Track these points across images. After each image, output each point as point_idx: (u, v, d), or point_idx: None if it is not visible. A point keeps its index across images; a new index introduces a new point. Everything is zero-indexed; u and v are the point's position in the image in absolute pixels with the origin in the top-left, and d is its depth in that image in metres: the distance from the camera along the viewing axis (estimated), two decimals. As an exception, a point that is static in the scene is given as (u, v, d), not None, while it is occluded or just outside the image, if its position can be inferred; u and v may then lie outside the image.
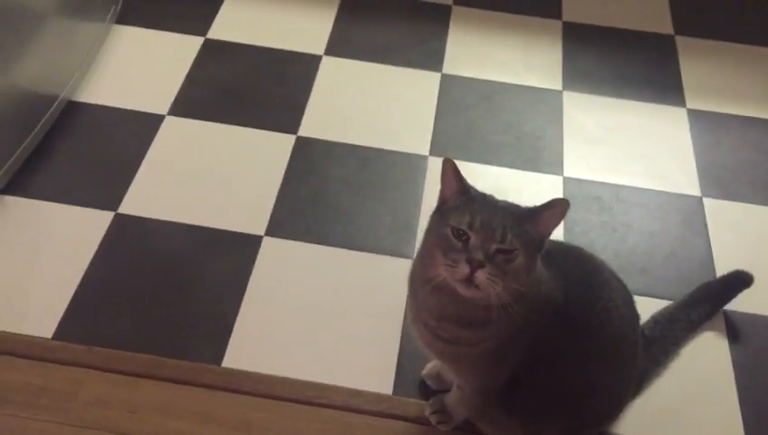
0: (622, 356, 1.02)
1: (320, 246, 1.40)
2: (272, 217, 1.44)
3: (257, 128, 1.61)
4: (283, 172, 1.52)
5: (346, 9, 1.92)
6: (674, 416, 1.21)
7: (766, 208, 1.53)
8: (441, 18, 1.92)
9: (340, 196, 1.49)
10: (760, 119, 1.72)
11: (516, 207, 0.89)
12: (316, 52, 1.80)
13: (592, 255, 1.06)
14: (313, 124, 1.63)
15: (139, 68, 1.72)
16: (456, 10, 1.94)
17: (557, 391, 0.98)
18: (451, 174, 0.89)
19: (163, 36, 1.79)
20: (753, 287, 1.38)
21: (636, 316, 1.06)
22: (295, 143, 1.59)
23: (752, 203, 1.54)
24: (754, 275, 1.40)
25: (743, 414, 1.22)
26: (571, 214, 1.49)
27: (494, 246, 0.84)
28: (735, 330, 1.32)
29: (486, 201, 0.89)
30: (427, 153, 1.60)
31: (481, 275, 0.83)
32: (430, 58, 1.81)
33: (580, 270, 1.00)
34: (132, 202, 1.44)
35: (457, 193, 0.89)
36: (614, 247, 1.45)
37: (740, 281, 1.31)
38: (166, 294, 1.31)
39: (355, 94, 1.71)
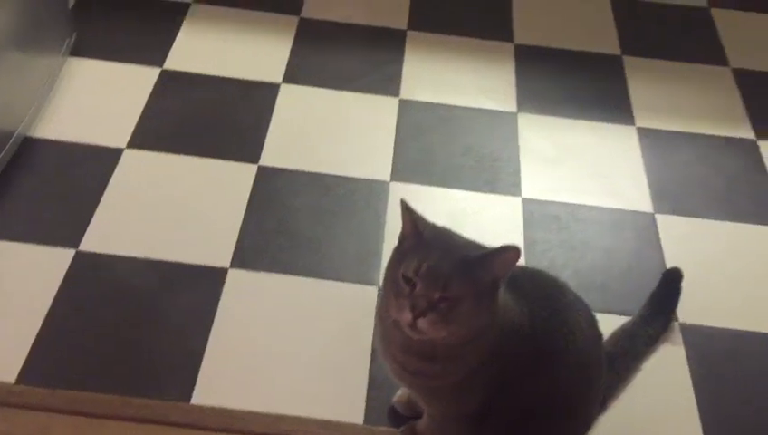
0: (589, 376, 1.06)
1: (286, 277, 1.41)
2: (236, 248, 1.44)
3: (218, 158, 1.61)
4: (246, 203, 1.53)
5: (302, 36, 1.93)
6: (637, 430, 1.24)
7: (716, 222, 1.59)
8: (396, 43, 1.95)
9: (304, 225, 1.50)
10: (706, 135, 1.79)
11: (470, 248, 0.91)
12: (274, 80, 1.81)
13: (555, 277, 1.09)
14: (274, 153, 1.64)
15: (95, 101, 1.70)
16: (411, 35, 1.98)
17: (527, 414, 1.01)
18: (406, 216, 0.92)
19: (119, 68, 1.78)
20: (707, 300, 1.43)
21: (599, 336, 1.09)
22: (257, 173, 1.59)
23: (702, 218, 1.60)
24: (707, 286, 1.45)
25: (703, 426, 1.26)
26: (530, 234, 1.53)
27: (437, 295, 0.86)
28: (692, 343, 1.37)
29: (439, 243, 0.89)
30: (388, 179, 1.62)
31: (422, 323, 0.86)
32: (388, 83, 1.84)
33: (545, 294, 1.02)
34: (93, 239, 1.42)
35: (412, 235, 0.91)
36: (574, 265, 1.49)
37: (674, 280, 1.36)
38: (131, 332, 1.30)
39: (315, 122, 1.72)
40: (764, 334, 1.39)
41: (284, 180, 1.58)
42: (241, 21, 1.96)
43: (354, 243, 1.48)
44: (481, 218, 1.55)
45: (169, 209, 1.50)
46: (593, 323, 1.07)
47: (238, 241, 1.45)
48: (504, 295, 0.94)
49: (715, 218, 1.60)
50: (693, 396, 1.30)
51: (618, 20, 2.07)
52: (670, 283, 1.35)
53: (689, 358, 1.35)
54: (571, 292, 1.07)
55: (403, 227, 0.93)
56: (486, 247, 0.91)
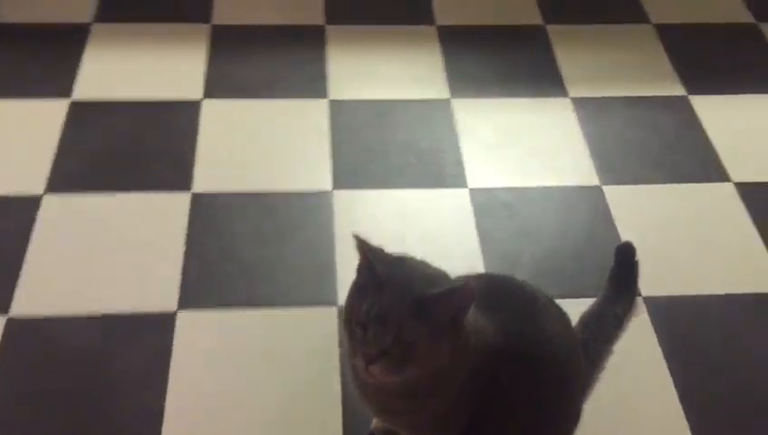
0: (571, 377, 1.03)
1: (239, 311, 1.33)
2: (181, 288, 1.35)
3: (146, 191, 1.51)
4: (184, 236, 1.44)
5: (217, 45, 1.83)
6: (616, 411, 1.23)
7: (662, 186, 1.59)
8: (316, 40, 1.87)
9: (249, 250, 1.42)
10: (638, 97, 1.78)
11: (430, 281, 0.85)
12: (194, 97, 1.71)
13: (523, 283, 1.05)
14: (206, 177, 1.55)
15: (2, 145, 1.57)
16: (331, 30, 1.90)
17: (515, 426, 0.98)
18: (360, 251, 0.86)
19: (23, 106, 1.65)
20: (665, 268, 1.43)
21: (574, 336, 1.07)
22: (191, 201, 1.50)
23: (648, 183, 1.60)
24: (663, 254, 1.45)
25: (680, 397, 1.26)
26: (484, 224, 1.49)
27: (389, 339, 0.81)
28: (657, 315, 1.37)
29: (394, 281, 0.83)
30: (330, 187, 1.55)
31: (374, 369, 0.83)
32: (314, 85, 1.76)
33: (516, 304, 0.99)
34: (24, 302, 1.31)
35: (366, 270, 0.86)
36: (530, 252, 1.46)
37: (627, 255, 1.34)
38: (78, 400, 1.20)
39: (244, 136, 1.64)
40: (725, 295, 1.40)
41: (221, 205, 1.50)
42: (148, 36, 1.84)
43: (306, 262, 1.41)
44: (431, 216, 1.51)
45: (103, 256, 1.39)
46: (567, 324, 1.05)
47: (182, 280, 1.36)
48: (474, 315, 0.90)
49: (661, 182, 1.60)
50: (666, 369, 1.29)
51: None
52: (625, 259, 1.34)
53: (657, 331, 1.35)
54: (542, 295, 1.04)
55: (359, 262, 0.88)
56: (445, 280, 0.87)
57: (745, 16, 2.00)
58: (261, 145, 1.62)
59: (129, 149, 1.59)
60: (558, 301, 1.32)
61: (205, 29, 1.87)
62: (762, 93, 1.80)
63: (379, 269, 0.84)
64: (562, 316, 1.05)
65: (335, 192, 1.54)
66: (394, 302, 0.82)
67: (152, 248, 1.41)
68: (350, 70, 1.80)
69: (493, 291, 0.98)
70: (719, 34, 1.95)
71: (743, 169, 1.63)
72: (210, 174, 1.55)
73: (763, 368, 1.30)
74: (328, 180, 1.56)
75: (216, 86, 1.73)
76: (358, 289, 0.86)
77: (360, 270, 0.88)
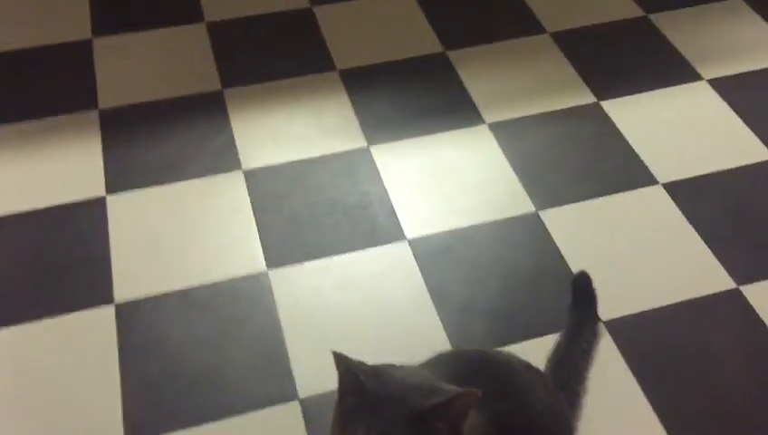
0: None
1: (196, 429, 1.22)
2: (125, 421, 1.22)
3: (63, 313, 1.37)
4: (116, 357, 1.31)
5: (110, 132, 1.70)
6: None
7: (594, 201, 1.58)
8: (217, 108, 1.76)
9: (192, 359, 1.31)
10: (552, 111, 1.77)
11: (422, 390, 0.79)
12: (96, 194, 1.57)
13: (497, 354, 1.00)
14: (128, 283, 1.42)
15: None
16: (230, 93, 1.80)
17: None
18: (344, 371, 0.79)
19: None
20: (616, 287, 1.42)
21: (558, 396, 1.03)
22: (117, 314, 1.37)
23: (580, 200, 1.58)
24: (612, 273, 1.44)
25: (659, 417, 1.24)
26: (430, 277, 1.44)
27: None
28: (620, 336, 1.35)
29: (387, 397, 0.77)
30: (264, 268, 1.45)
31: None
32: (223, 158, 1.65)
33: (500, 385, 0.93)
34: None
35: (354, 391, 0.78)
36: (484, 297, 1.41)
37: (584, 285, 1.32)
38: None
39: (160, 229, 1.52)
40: (679, 303, 1.40)
41: (151, 312, 1.38)
42: (33, 133, 1.68)
43: (255, 358, 1.31)
44: (376, 278, 1.44)
45: (30, 404, 1.25)
46: (547, 387, 1.00)
47: (124, 411, 1.23)
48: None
49: (593, 196, 1.59)
50: (641, 393, 1.28)
51: (430, 16, 2.01)
52: (582, 290, 1.31)
53: (623, 354, 1.33)
54: (518, 363, 0.99)
55: (340, 382, 0.80)
56: (437, 386, 0.80)
57: (635, 10, 2.03)
58: (180, 235, 1.50)
59: (33, 269, 1.44)
60: (525, 344, 1.29)
61: (92, 116, 1.73)
62: (665, 87, 1.83)
63: (370, 387, 0.77)
64: (543, 381, 1.00)
65: (270, 272, 1.45)
66: (393, 420, 0.76)
67: (84, 382, 1.28)
68: (259, 134, 1.71)
69: (472, 375, 0.92)
70: (614, 33, 1.97)
71: (666, 168, 1.64)
72: (131, 279, 1.42)
73: (735, 370, 1.30)
74: (260, 260, 1.47)
75: (119, 178, 1.60)
76: (345, 413, 0.79)
77: (345, 391, 0.80)
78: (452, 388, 0.79)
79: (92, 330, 1.34)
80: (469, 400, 0.77)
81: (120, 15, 1.97)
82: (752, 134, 1.71)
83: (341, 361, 0.79)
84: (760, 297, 1.40)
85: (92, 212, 1.54)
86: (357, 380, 0.78)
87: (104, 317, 1.36)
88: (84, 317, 1.36)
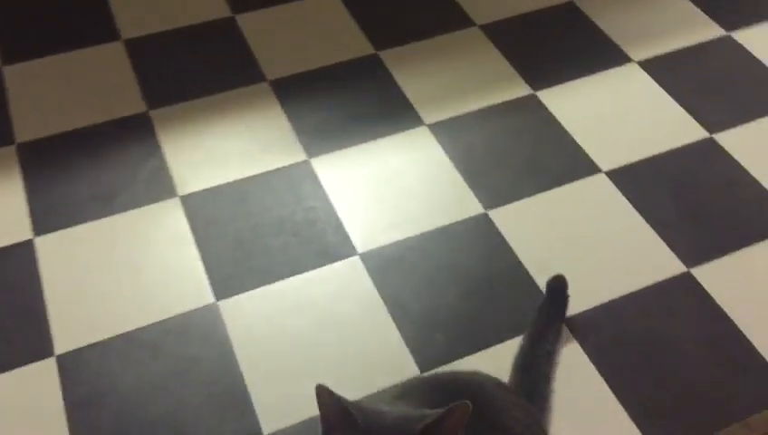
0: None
1: (157, 482, 1.16)
2: (81, 480, 1.15)
3: (2, 372, 1.28)
4: (64, 412, 1.23)
5: (30, 168, 1.59)
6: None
7: (542, 195, 1.57)
8: (145, 132, 1.67)
9: (146, 404, 1.24)
10: (490, 106, 1.75)
11: (413, 422, 0.76)
12: (23, 237, 1.47)
13: (469, 376, 0.98)
14: (68, 330, 1.33)
15: None
16: (157, 115, 1.71)
17: None
18: (329, 406, 0.75)
19: None
20: (573, 281, 1.41)
21: (533, 412, 1.01)
22: (59, 366, 1.29)
23: (527, 196, 1.57)
24: (563, 263, 1.43)
25: (627, 410, 1.25)
26: (387, 291, 1.41)
27: None
28: (582, 333, 1.35)
29: (377, 428, 0.75)
30: (213, 299, 1.39)
31: None
32: (156, 185, 1.57)
33: (475, 408, 0.91)
34: None
35: (343, 427, 0.74)
36: (445, 307, 1.39)
37: (559, 287, 1.33)
38: None
39: (96, 267, 1.43)
40: (635, 292, 1.41)
41: (97, 360, 1.30)
42: (-56, 178, 1.56)
43: (213, 396, 1.26)
44: (331, 299, 1.40)
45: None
46: (527, 409, 0.99)
47: (79, 470, 1.16)
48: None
49: (541, 190, 1.58)
50: (608, 389, 1.28)
51: (357, 17, 1.96)
52: (556, 293, 1.31)
53: (585, 350, 1.33)
54: (491, 382, 0.97)
55: (327, 418, 0.77)
56: (420, 413, 0.77)
57: (559, -3, 2.03)
58: (118, 273, 1.42)
59: (-38, 326, 1.34)
60: (490, 351, 1.27)
61: (10, 152, 1.62)
62: (598, 72, 1.84)
63: (362, 420, 0.73)
64: (515, 398, 0.99)
65: (220, 303, 1.38)
66: None
67: (30, 441, 1.19)
68: (192, 155, 1.63)
69: (448, 401, 0.89)
70: (542, 21, 1.96)
71: (607, 155, 1.65)
72: (71, 326, 1.34)
73: (696, 354, 1.31)
74: (207, 292, 1.40)
75: (46, 218, 1.50)
76: None
77: (333, 426, 0.77)
78: (439, 410, 0.76)
79: (33, 387, 1.26)
80: (461, 413, 0.75)
81: (31, 39, 1.85)
82: (684, 112, 1.74)
83: (326, 395, 0.75)
84: (710, 278, 1.42)
85: (20, 257, 1.44)
86: (347, 414, 0.75)
87: (45, 372, 1.28)
88: (23, 375, 1.27)
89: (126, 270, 1.43)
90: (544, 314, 1.29)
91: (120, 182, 1.57)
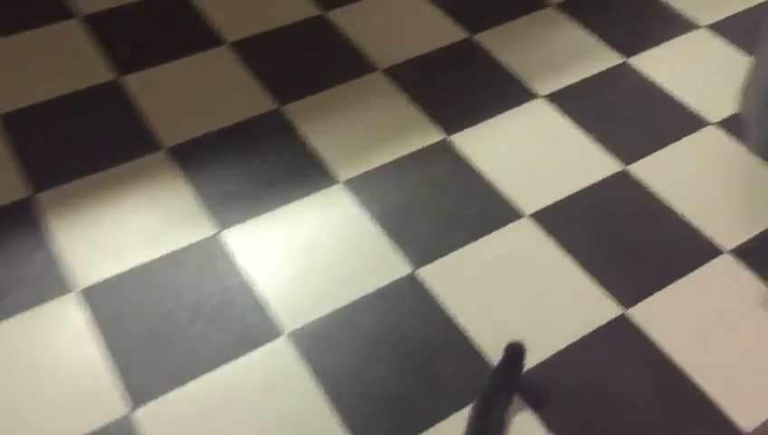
0: None
1: None
2: None
3: None
4: None
5: None
6: None
7: (465, 248, 1.52)
8: (28, 220, 1.50)
9: None
10: (402, 157, 1.69)
11: None
12: None
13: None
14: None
15: None
16: (43, 199, 1.54)
17: None
18: None
19: None
20: (510, 335, 1.36)
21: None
22: None
23: (451, 252, 1.51)
24: (500, 318, 1.38)
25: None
26: (319, 370, 1.31)
27: None
28: (529, 393, 1.29)
29: None
30: (128, 409, 1.25)
31: None
32: (50, 278, 1.41)
33: None
34: None
35: None
36: (380, 382, 1.30)
37: (517, 356, 1.26)
38: None
39: (-12, 388, 1.26)
40: (575, 343, 1.37)
41: (-3, 501, 1.13)
42: None
43: None
44: (259, 389, 1.28)
45: None
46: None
47: None
48: None
49: (464, 244, 1.52)
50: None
51: (254, 70, 1.86)
52: (513, 362, 1.24)
53: (535, 410, 1.28)
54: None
55: None
56: None
57: (458, 34, 2.00)
58: (12, 388, 1.25)
59: None
60: (440, 427, 1.19)
61: None
62: (506, 110, 1.81)
63: None
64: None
65: (137, 412, 1.24)
66: None
67: None
68: (89, 241, 1.48)
69: None
70: (443, 60, 1.92)
71: (528, 197, 1.62)
72: (-37, 464, 1.16)
73: (642, 400, 1.29)
74: (119, 402, 1.26)
75: None
76: None
77: None
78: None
79: None
80: None
81: None
82: (596, 145, 1.74)
83: None
84: (645, 318, 1.41)
85: None
86: None
87: None
88: None
89: (21, 384, 1.26)
90: (498, 381, 1.22)
91: (6, 282, 1.40)
